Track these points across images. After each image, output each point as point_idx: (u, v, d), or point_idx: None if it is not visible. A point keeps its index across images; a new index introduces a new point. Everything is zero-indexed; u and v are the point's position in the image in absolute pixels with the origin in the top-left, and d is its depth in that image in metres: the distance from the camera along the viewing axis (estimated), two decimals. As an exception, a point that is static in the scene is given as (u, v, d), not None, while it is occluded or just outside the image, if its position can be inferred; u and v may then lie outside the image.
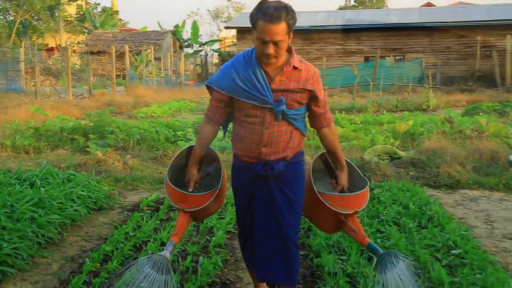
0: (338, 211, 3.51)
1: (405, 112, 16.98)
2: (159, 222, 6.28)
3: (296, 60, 3.42)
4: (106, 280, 4.72)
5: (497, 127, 11.94)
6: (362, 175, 3.89)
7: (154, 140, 11.94)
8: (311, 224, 5.32)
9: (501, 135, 11.50)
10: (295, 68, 3.40)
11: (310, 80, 3.45)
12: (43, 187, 6.70)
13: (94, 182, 7.74)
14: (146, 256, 3.51)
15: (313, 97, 3.52)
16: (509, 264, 5.25)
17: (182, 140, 11.93)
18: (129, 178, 8.94)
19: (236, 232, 5.35)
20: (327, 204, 3.52)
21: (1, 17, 49.58)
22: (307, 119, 3.70)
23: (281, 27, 3.19)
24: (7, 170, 7.65)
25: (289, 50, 3.40)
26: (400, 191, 7.15)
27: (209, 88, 3.61)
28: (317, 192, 3.56)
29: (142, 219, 6.36)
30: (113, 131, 12.26)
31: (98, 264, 5.01)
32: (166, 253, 3.50)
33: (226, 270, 4.97)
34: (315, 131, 3.81)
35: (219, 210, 5.14)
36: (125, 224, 6.19)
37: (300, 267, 3.96)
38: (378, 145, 10.51)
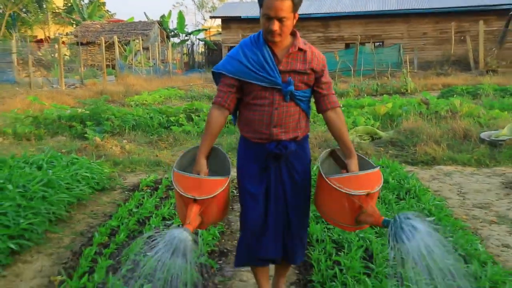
0: (349, 192, 3.23)
1: (384, 95, 17.13)
2: (159, 200, 6.43)
3: (301, 42, 3.37)
4: (116, 250, 4.92)
5: (469, 108, 12.09)
6: (372, 163, 3.65)
7: (148, 126, 12.09)
8: None
9: (473, 115, 11.65)
10: (300, 49, 3.35)
11: (314, 60, 3.38)
12: (50, 169, 6.80)
13: (96, 165, 7.84)
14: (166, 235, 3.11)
15: (317, 78, 3.44)
16: (478, 229, 5.53)
17: (175, 125, 12.07)
18: (127, 161, 9.08)
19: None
20: (337, 187, 3.28)
21: None
22: (313, 105, 3.60)
23: (287, 3, 3.12)
24: (13, 155, 7.74)
25: (293, 34, 3.36)
26: (380, 168, 7.39)
27: (216, 74, 3.52)
28: (325, 178, 3.37)
29: (143, 197, 6.53)
30: (109, 118, 12.38)
31: (106, 238, 5.20)
32: (186, 233, 3.07)
33: (223, 240, 5.21)
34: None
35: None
36: (128, 202, 6.34)
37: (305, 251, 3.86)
38: (360, 126, 10.67)
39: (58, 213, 5.89)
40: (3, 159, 7.34)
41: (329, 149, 3.76)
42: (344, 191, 3.22)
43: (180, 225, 3.28)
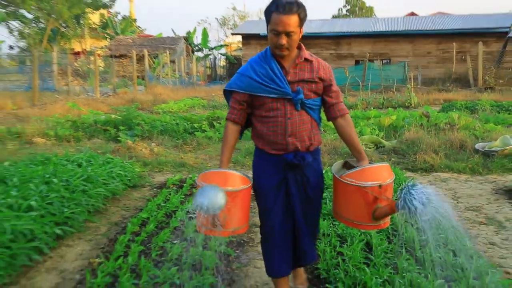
0: (362, 185, 3.13)
1: (389, 108, 16.89)
2: (183, 196, 6.53)
3: (307, 53, 3.30)
4: (146, 238, 5.03)
5: (466, 121, 12.00)
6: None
7: (174, 131, 12.11)
8: None
9: (469, 127, 11.59)
10: (306, 60, 3.27)
11: (321, 69, 3.30)
12: (89, 167, 6.96)
13: (128, 164, 7.96)
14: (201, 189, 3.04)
15: (326, 87, 3.34)
16: (468, 229, 5.58)
17: (198, 131, 12.14)
18: (155, 162, 9.14)
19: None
20: (350, 182, 3.19)
21: (34, 25, 49.85)
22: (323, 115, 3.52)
23: (293, 19, 3.06)
24: (56, 154, 7.89)
25: (299, 47, 3.28)
26: (384, 173, 7.42)
27: (227, 92, 3.45)
28: (337, 177, 3.29)
29: (170, 194, 6.64)
30: (139, 124, 12.44)
31: (138, 227, 5.34)
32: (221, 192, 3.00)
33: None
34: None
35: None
36: (156, 198, 6.44)
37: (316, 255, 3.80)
38: (366, 136, 10.62)
39: (96, 205, 6.04)
40: (48, 157, 7.52)
41: (342, 160, 3.65)
42: (357, 184, 3.13)
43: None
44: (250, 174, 3.49)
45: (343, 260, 4.19)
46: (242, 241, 5.10)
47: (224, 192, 2.96)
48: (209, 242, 4.72)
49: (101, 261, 4.48)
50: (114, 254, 4.53)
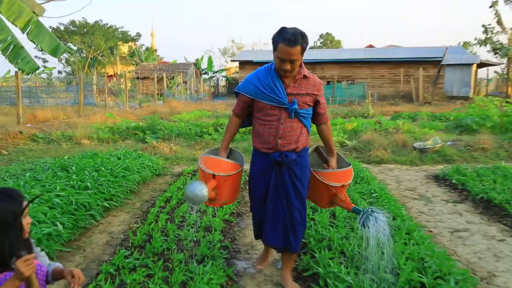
0: (329, 184, 3.13)
1: (352, 117, 16.87)
2: None
3: (306, 71, 3.13)
4: (170, 210, 5.13)
5: (408, 127, 12.07)
6: (347, 161, 3.47)
7: (187, 134, 12.11)
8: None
9: (410, 131, 11.62)
10: (305, 77, 3.11)
11: (316, 86, 3.16)
12: (126, 160, 7.13)
13: (154, 158, 8.09)
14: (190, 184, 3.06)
15: (316, 101, 3.20)
16: (405, 203, 5.77)
17: (206, 134, 12.09)
18: (174, 157, 9.15)
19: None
20: (321, 179, 3.16)
21: (78, 54, 49.86)
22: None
23: (297, 49, 2.91)
24: (100, 151, 8.06)
25: (300, 64, 3.09)
26: (344, 164, 7.54)
27: (236, 93, 3.31)
28: (313, 171, 3.24)
29: (186, 180, 6.72)
30: (161, 129, 12.42)
31: (163, 203, 5.46)
32: (205, 189, 3.01)
33: (239, 207, 5.42)
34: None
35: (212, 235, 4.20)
36: (176, 182, 6.52)
37: (301, 241, 3.43)
38: (333, 137, 10.64)
39: (132, 187, 6.19)
40: (95, 153, 7.70)
41: (313, 146, 3.56)
42: (326, 182, 3.13)
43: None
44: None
45: (315, 223, 4.34)
46: (240, 213, 5.23)
47: (207, 189, 2.99)
48: (217, 212, 4.83)
49: (138, 225, 4.61)
50: (147, 221, 4.65)
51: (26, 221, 2.45)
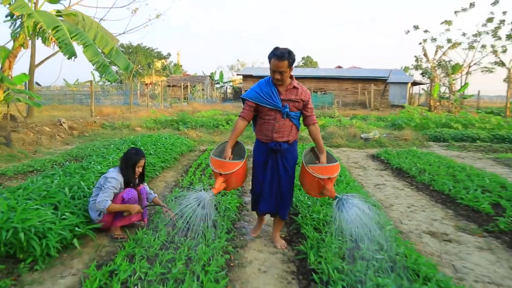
0: (318, 176, 2.91)
1: (322, 117, 17.05)
2: None
3: (295, 83, 2.99)
4: (202, 170, 5.65)
5: (359, 124, 12.63)
6: (335, 158, 3.17)
7: (208, 125, 12.35)
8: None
9: (361, 127, 11.97)
10: (295, 87, 2.98)
11: (303, 94, 3.00)
12: (171, 139, 7.69)
13: (187, 140, 8.64)
14: (195, 194, 2.81)
15: (304, 105, 3.04)
16: (350, 170, 6.41)
17: (220, 125, 12.27)
18: (199, 140, 9.65)
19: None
20: (310, 172, 2.95)
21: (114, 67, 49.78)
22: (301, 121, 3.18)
23: (284, 63, 2.80)
24: (150, 135, 8.50)
25: (291, 77, 2.96)
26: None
27: (243, 99, 3.10)
28: (305, 165, 3.02)
29: (209, 154, 6.64)
30: (189, 121, 12.76)
31: (196, 166, 5.95)
32: (208, 194, 2.80)
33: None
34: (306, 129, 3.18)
35: (226, 200, 4.06)
36: (202, 155, 6.93)
37: (289, 210, 3.28)
38: (306, 130, 11.26)
39: (176, 156, 6.73)
40: (150, 136, 8.14)
41: (310, 147, 3.32)
42: (315, 175, 2.93)
43: (209, 189, 2.93)
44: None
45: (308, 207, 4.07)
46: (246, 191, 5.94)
47: (211, 198, 2.78)
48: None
49: (182, 178, 5.22)
50: (188, 175, 5.24)
51: (140, 164, 3.41)
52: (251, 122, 3.22)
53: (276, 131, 3.00)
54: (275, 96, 2.95)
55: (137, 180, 3.44)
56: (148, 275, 2.40)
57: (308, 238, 3.06)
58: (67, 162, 5.94)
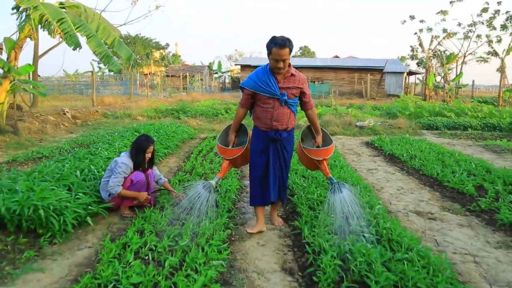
0: (313, 158, 3.08)
1: (319, 106, 17.25)
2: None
3: (293, 70, 3.00)
4: (203, 156, 5.87)
5: (355, 112, 12.49)
6: (331, 138, 3.31)
7: (207, 114, 12.47)
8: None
9: (356, 115, 11.97)
10: (292, 74, 2.99)
11: (301, 81, 3.03)
12: (172, 127, 7.87)
13: (188, 128, 8.78)
14: (201, 182, 3.08)
15: (302, 92, 3.06)
16: (345, 156, 6.61)
17: (219, 114, 12.38)
18: (199, 128, 9.81)
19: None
20: (307, 154, 3.12)
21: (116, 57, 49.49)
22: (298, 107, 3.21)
23: (286, 51, 2.82)
24: (152, 123, 8.78)
25: (288, 65, 2.97)
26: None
27: (241, 87, 3.12)
28: (302, 147, 3.18)
29: (209, 142, 7.29)
30: (189, 110, 12.90)
31: (198, 152, 6.11)
32: (213, 182, 3.11)
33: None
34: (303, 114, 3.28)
35: (226, 182, 4.25)
36: (203, 142, 7.12)
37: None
38: (304, 118, 11.16)
39: (177, 143, 6.90)
40: (151, 124, 8.35)
41: (307, 125, 3.40)
42: (311, 156, 3.10)
43: (214, 176, 3.22)
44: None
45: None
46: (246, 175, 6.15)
47: (211, 188, 3.02)
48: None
49: (184, 163, 5.43)
50: (190, 161, 5.44)
51: (150, 150, 3.62)
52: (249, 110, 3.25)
53: (275, 119, 3.01)
54: (273, 84, 2.96)
55: (146, 165, 3.66)
56: (157, 247, 2.63)
57: (303, 216, 3.29)
58: (75, 149, 6.14)
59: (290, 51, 2.85)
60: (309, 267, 2.52)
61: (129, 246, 2.65)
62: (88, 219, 3.20)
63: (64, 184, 3.44)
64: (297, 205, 3.60)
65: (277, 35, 2.89)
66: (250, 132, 3.32)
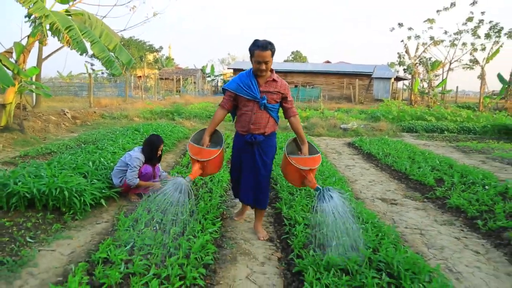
0: (299, 167, 2.89)
1: (307, 109, 17.83)
2: None
3: (275, 76, 3.00)
4: None
5: (341, 115, 13.49)
6: (317, 149, 3.21)
7: (201, 116, 12.85)
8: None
9: (342, 118, 12.79)
10: (274, 80, 2.99)
11: (282, 87, 3.01)
12: (167, 128, 8.33)
13: (183, 128, 9.22)
14: (173, 179, 2.86)
15: (284, 98, 3.04)
16: (327, 154, 7.13)
17: (212, 116, 12.83)
18: (193, 129, 10.09)
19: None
20: (293, 163, 2.93)
21: (117, 61, 49.61)
22: (281, 113, 3.14)
23: (268, 53, 2.83)
24: (149, 124, 9.18)
25: (271, 70, 2.98)
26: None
27: (224, 89, 3.12)
28: (287, 156, 3.02)
29: None
30: (183, 112, 13.28)
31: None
32: (185, 180, 2.80)
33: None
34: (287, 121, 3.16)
35: (218, 173, 4.25)
36: None
37: (268, 200, 3.31)
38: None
39: (173, 142, 7.34)
40: (149, 124, 8.74)
41: (292, 137, 3.29)
42: (297, 166, 2.91)
43: (186, 176, 2.94)
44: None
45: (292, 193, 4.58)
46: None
47: (187, 183, 2.78)
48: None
49: (181, 159, 5.91)
50: (186, 157, 5.79)
51: (161, 148, 4.21)
52: (232, 114, 3.25)
53: (252, 122, 3.00)
54: (254, 87, 2.96)
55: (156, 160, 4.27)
56: (162, 220, 3.22)
57: (283, 199, 3.91)
58: (81, 145, 6.68)
59: (272, 53, 2.88)
60: (285, 235, 3.14)
61: (140, 219, 3.24)
62: (102, 201, 3.78)
63: (79, 172, 4.01)
64: (279, 191, 4.21)
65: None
66: (225, 139, 3.44)
